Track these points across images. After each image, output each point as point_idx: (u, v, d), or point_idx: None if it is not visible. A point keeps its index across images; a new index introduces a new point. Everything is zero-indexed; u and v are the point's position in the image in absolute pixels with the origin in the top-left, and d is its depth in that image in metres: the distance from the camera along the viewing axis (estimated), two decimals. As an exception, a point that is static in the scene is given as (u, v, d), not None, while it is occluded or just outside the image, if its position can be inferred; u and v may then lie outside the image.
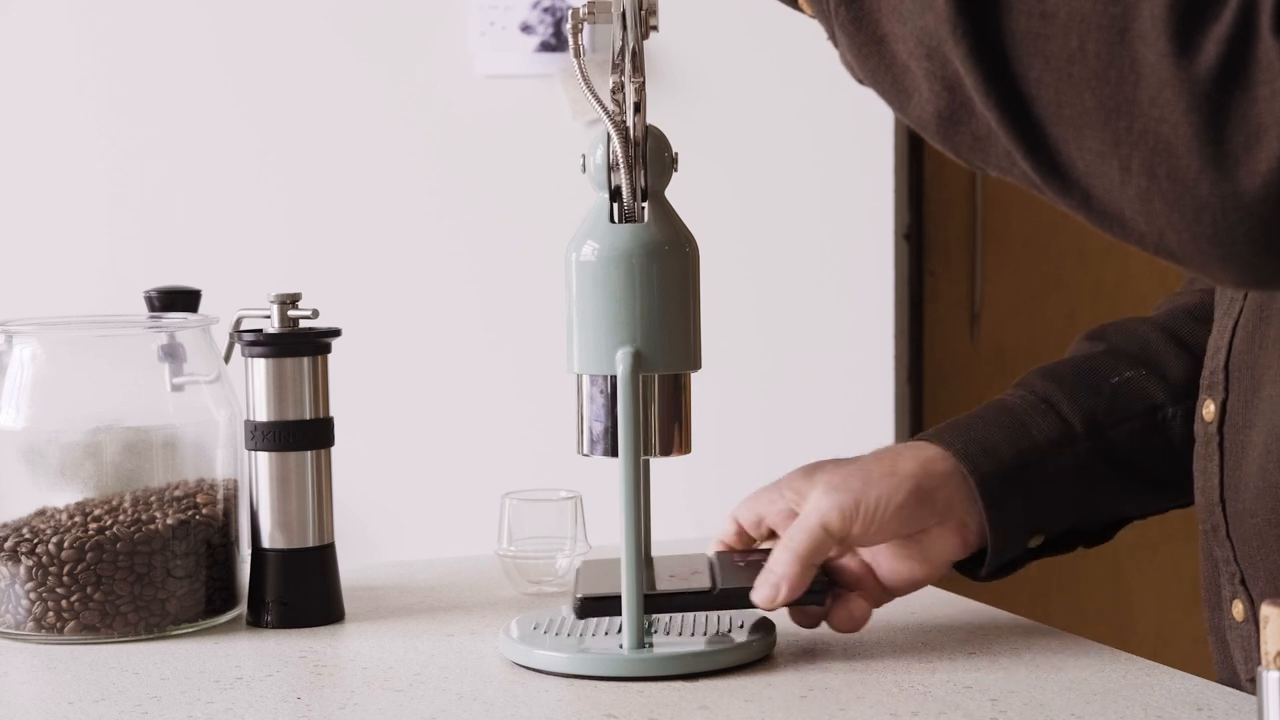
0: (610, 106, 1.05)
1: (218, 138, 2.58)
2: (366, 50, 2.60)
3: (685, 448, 1.08)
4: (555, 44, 2.59)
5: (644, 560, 1.07)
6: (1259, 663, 1.10)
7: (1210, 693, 1.00)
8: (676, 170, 1.07)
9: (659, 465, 1.10)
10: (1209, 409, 1.12)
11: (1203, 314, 1.21)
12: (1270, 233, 0.76)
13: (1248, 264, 0.77)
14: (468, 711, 0.99)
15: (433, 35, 2.60)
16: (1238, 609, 1.11)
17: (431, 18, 2.60)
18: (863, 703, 1.00)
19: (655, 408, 1.06)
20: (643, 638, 1.05)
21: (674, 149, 1.07)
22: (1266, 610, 0.76)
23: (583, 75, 1.05)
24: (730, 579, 1.10)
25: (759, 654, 1.08)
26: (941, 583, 1.38)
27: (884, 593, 1.14)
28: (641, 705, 0.99)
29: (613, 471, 1.05)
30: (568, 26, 1.06)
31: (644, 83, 1.06)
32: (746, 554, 1.14)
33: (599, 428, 1.06)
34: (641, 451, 1.05)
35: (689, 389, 1.08)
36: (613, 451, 1.06)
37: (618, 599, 1.06)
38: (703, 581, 1.09)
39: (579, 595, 1.08)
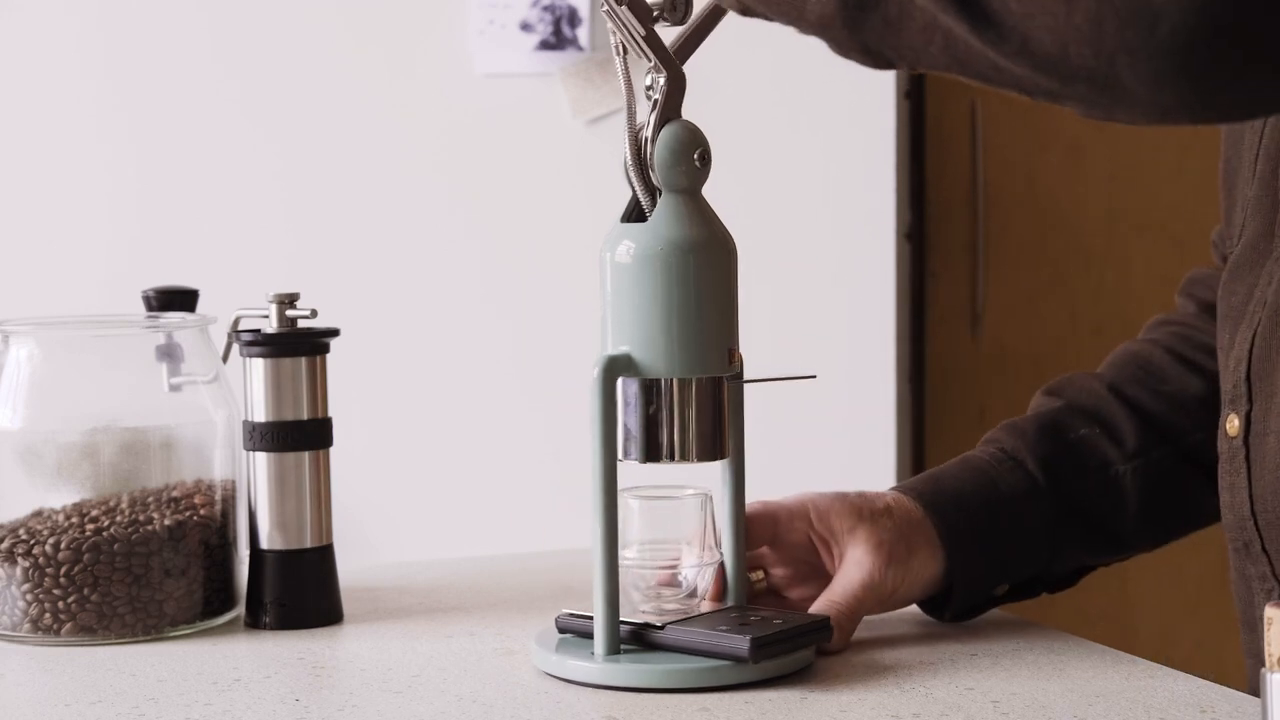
0: (632, 104, 1.04)
1: (216, 136, 2.58)
2: (365, 48, 2.60)
3: (724, 452, 1.06)
4: (554, 42, 2.59)
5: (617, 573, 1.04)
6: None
7: (1213, 694, 1.00)
8: (702, 167, 1.05)
9: (650, 466, 1.08)
10: (1233, 423, 1.12)
11: (1152, 367, 1.24)
12: (1227, 32, 0.75)
13: (1200, 77, 0.77)
14: (466, 713, 0.98)
15: (432, 33, 2.60)
16: None
17: (430, 16, 2.59)
18: (863, 704, 0.99)
19: (693, 411, 1.04)
20: (618, 644, 1.04)
21: (705, 146, 1.05)
22: (1270, 612, 0.75)
23: (624, 74, 1.04)
24: (679, 619, 1.06)
25: (773, 673, 1.04)
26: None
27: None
28: (642, 707, 0.99)
29: (643, 473, 1.04)
30: (608, 28, 1.05)
31: (659, 80, 1.04)
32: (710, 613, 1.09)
33: (625, 432, 1.05)
34: (619, 456, 1.03)
35: (729, 394, 1.06)
36: (636, 457, 1.04)
37: (590, 619, 1.05)
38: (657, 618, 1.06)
39: (562, 612, 1.07)
